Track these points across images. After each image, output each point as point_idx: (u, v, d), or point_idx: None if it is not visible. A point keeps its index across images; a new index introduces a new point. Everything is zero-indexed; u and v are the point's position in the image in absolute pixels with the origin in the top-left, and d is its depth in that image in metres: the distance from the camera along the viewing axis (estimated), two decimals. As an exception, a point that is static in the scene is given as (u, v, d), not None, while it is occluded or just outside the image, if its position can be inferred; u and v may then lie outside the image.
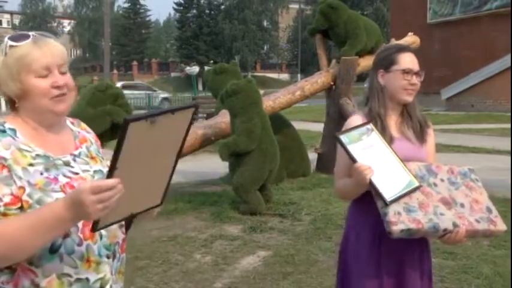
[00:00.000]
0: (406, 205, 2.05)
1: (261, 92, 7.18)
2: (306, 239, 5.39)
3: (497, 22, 23.24)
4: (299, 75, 43.89)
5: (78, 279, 1.49)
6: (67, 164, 1.56)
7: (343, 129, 2.23)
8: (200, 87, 38.08)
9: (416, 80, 2.28)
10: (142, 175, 1.38)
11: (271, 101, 7.94)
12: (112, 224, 1.39)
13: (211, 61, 43.18)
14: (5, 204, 1.38)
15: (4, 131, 1.49)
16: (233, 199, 6.66)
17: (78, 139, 1.68)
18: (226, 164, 6.88)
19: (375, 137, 2.15)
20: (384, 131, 2.21)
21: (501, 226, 2.14)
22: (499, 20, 23.34)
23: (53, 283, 1.45)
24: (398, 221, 2.01)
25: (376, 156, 2.10)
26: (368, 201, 2.13)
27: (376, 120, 2.24)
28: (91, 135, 1.75)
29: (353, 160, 2.06)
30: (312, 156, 8.88)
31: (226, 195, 7.07)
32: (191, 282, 4.36)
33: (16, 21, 75.59)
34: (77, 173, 1.56)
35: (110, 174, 1.29)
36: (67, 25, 73.01)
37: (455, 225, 2.06)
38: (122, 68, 57.02)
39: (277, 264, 4.69)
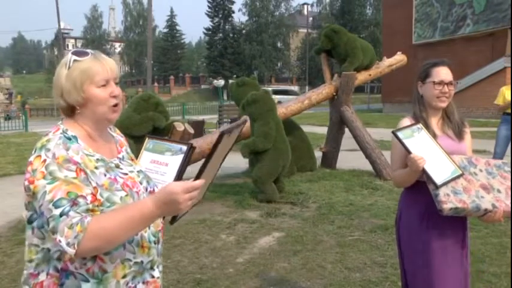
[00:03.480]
0: (453, 188, 2.11)
1: (275, 101, 7.14)
2: (312, 222, 5.34)
3: (469, 44, 23.15)
4: (307, 87, 43.66)
5: (136, 263, 1.48)
6: (117, 166, 1.53)
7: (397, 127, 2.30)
8: (225, 97, 38.12)
9: (447, 89, 2.31)
10: (207, 176, 1.42)
11: (284, 108, 7.91)
12: (180, 217, 1.45)
13: (235, 75, 43.21)
14: (90, 202, 1.35)
15: (70, 138, 1.43)
16: (252, 189, 6.64)
17: (118, 143, 1.65)
18: (247, 160, 6.86)
19: (424, 134, 2.21)
20: (427, 129, 2.25)
21: None
22: (470, 42, 23.27)
23: (118, 267, 1.44)
24: (448, 200, 2.07)
25: (426, 149, 2.15)
26: (417, 189, 2.24)
27: (420, 121, 2.30)
28: (123, 139, 1.72)
29: (408, 152, 2.12)
30: (318, 154, 8.83)
31: (247, 186, 7.05)
32: (218, 257, 4.35)
33: (79, 44, 76.68)
34: (126, 174, 1.52)
35: (199, 175, 1.33)
36: (118, 47, 73.69)
37: (494, 206, 2.10)
38: (162, 81, 57.22)
39: (288, 244, 4.65)
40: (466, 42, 23.47)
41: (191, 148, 1.67)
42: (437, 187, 2.08)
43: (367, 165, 8.01)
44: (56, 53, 64.31)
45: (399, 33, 26.84)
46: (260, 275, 3.93)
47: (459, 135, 2.35)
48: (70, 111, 1.49)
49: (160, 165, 1.74)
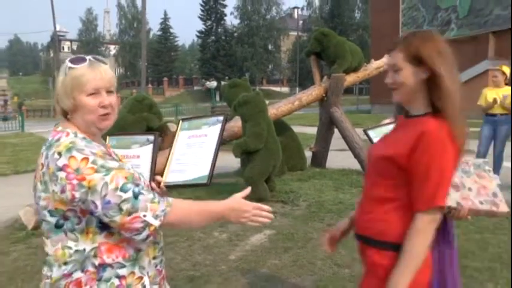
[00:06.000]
0: None
1: (267, 102, 7.15)
2: (303, 220, 5.36)
3: (454, 47, 22.86)
4: (297, 88, 43.76)
5: (161, 247, 1.63)
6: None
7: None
8: (217, 98, 38.08)
9: None
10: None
11: (274, 109, 7.92)
12: None
13: (227, 77, 43.18)
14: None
15: (85, 138, 1.48)
16: (244, 189, 6.62)
17: (106, 146, 1.67)
18: (239, 160, 6.86)
19: None
20: None
21: (504, 208, 2.04)
22: (455, 45, 22.92)
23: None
24: None
25: None
26: None
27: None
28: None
29: None
30: (308, 153, 8.85)
31: (239, 186, 7.05)
32: (210, 254, 4.35)
33: (74, 47, 76.21)
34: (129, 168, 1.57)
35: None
36: (113, 49, 73.25)
37: (458, 204, 2.02)
38: (156, 83, 57.04)
39: (279, 241, 4.66)
40: (450, 46, 23.64)
41: (157, 136, 1.77)
42: None
43: (355, 165, 8.04)
44: (51, 55, 63.86)
45: (387, 36, 26.91)
46: (252, 272, 3.94)
47: None
48: (65, 115, 1.52)
49: (132, 158, 1.80)
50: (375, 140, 2.14)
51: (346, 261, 4.08)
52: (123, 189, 1.37)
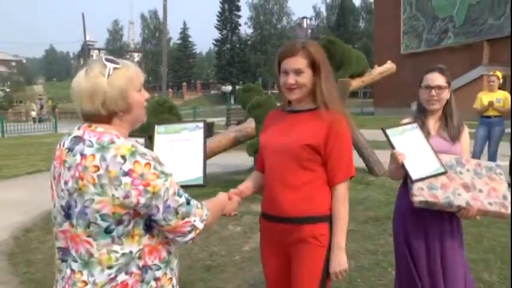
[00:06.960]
0: (430, 184, 2.03)
1: (278, 105, 7.15)
2: (310, 214, 5.33)
3: (452, 54, 23.15)
4: (305, 92, 43.58)
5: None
6: None
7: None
8: (232, 101, 38.12)
9: (434, 93, 2.24)
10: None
11: (285, 112, 7.90)
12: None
13: (241, 82, 43.20)
14: None
15: None
16: (257, 184, 6.63)
17: None
18: (252, 158, 6.87)
19: (417, 133, 2.14)
20: (422, 128, 2.20)
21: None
22: (452, 52, 23.26)
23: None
24: (419, 194, 2.01)
25: (413, 147, 2.09)
26: (406, 185, 2.21)
27: (418, 120, 2.25)
28: None
29: (392, 147, 2.08)
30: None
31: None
32: (226, 245, 4.37)
33: (102, 55, 76.98)
34: None
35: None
36: (136, 57, 73.75)
37: (468, 204, 2.00)
38: (175, 87, 57.32)
39: (289, 233, 4.65)
40: (448, 52, 23.46)
41: (147, 139, 1.73)
42: (412, 181, 2.02)
43: (360, 163, 8.00)
44: (82, 62, 64.57)
45: (389, 44, 26.81)
46: (264, 261, 3.94)
47: (453, 138, 2.24)
48: (107, 119, 1.36)
49: None
50: (392, 138, 2.10)
51: (352, 252, 4.06)
52: (178, 194, 1.35)
